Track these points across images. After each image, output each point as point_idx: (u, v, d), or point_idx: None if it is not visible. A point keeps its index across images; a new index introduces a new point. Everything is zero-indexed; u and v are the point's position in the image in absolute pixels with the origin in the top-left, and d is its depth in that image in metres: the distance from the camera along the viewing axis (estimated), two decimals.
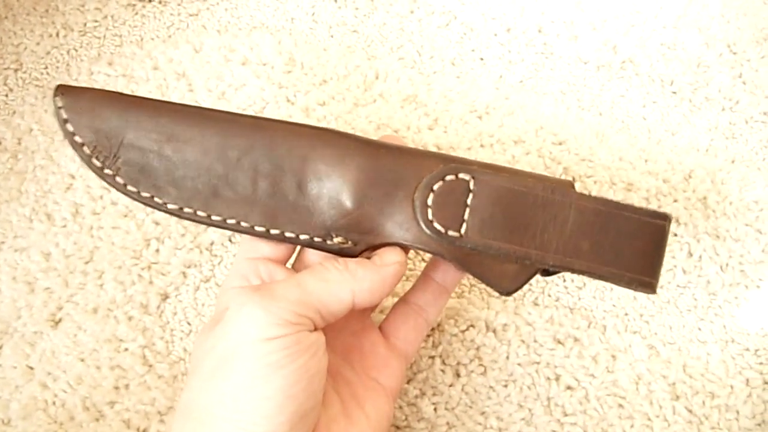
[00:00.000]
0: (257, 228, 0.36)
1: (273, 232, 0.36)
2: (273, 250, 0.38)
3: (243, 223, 0.37)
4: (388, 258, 0.36)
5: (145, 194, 0.36)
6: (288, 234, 0.36)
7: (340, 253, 0.36)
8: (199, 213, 0.37)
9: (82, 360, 0.47)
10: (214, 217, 0.37)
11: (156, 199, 0.36)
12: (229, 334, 0.32)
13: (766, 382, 0.46)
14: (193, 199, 0.36)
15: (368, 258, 0.36)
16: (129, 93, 0.52)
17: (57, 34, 0.58)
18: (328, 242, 0.36)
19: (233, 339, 0.32)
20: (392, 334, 0.40)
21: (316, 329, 0.33)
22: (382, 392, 0.38)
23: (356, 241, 0.36)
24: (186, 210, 0.37)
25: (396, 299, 0.42)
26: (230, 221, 0.37)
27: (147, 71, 0.56)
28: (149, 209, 0.50)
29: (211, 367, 0.32)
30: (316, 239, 0.36)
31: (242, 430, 0.30)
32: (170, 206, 0.37)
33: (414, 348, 0.41)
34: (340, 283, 0.34)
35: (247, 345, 0.31)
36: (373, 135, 0.53)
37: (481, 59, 0.57)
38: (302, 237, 0.36)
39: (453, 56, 0.57)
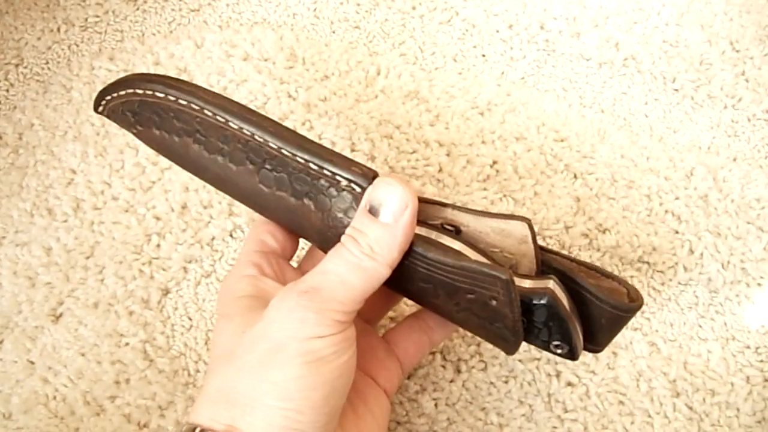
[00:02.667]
0: None
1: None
2: (281, 244, 0.38)
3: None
4: (396, 205, 0.32)
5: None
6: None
7: None
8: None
9: (83, 355, 0.47)
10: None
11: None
12: (278, 331, 0.32)
13: (766, 380, 0.45)
14: None
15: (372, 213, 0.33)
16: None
17: (58, 29, 0.58)
18: None
19: (283, 335, 0.32)
20: (393, 341, 0.41)
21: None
22: (381, 390, 0.38)
23: None
24: None
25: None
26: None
27: (148, 66, 0.56)
28: (150, 204, 0.50)
29: (258, 359, 0.32)
30: None
31: (288, 419, 0.31)
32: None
33: (412, 361, 0.41)
34: (376, 267, 0.33)
35: (299, 341, 0.31)
36: (375, 131, 0.53)
37: (483, 56, 0.57)
38: None
39: (455, 53, 0.57)
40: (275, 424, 0.31)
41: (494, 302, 0.33)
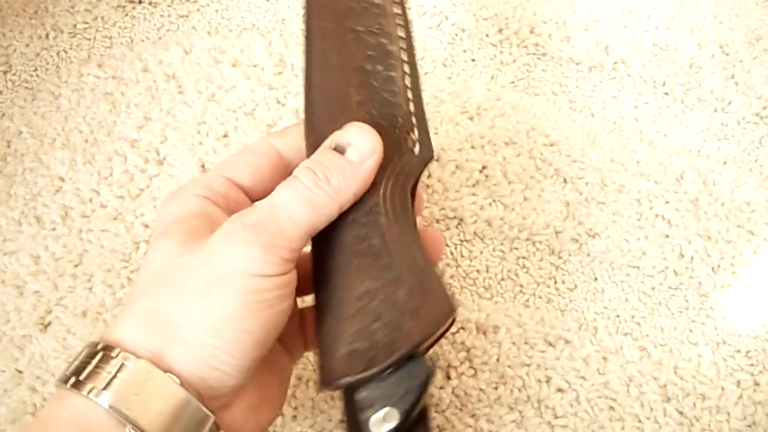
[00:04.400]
0: None
1: None
2: (253, 184, 0.36)
3: None
4: (364, 147, 0.32)
5: None
6: None
7: None
8: None
9: None
10: None
11: None
12: (222, 263, 0.30)
13: (756, 384, 0.45)
14: None
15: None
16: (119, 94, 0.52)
17: (47, 36, 0.58)
18: None
19: (227, 269, 0.30)
20: (304, 316, 0.39)
21: None
22: (289, 357, 0.37)
23: None
24: None
25: None
26: None
27: (137, 73, 0.56)
28: (138, 212, 0.50)
29: (197, 289, 0.30)
30: None
31: (215, 357, 0.29)
32: None
33: (314, 343, 0.37)
34: (329, 204, 0.31)
35: (242, 277, 0.30)
36: None
37: (473, 60, 0.57)
38: None
39: (444, 57, 0.57)
40: (201, 361, 0.29)
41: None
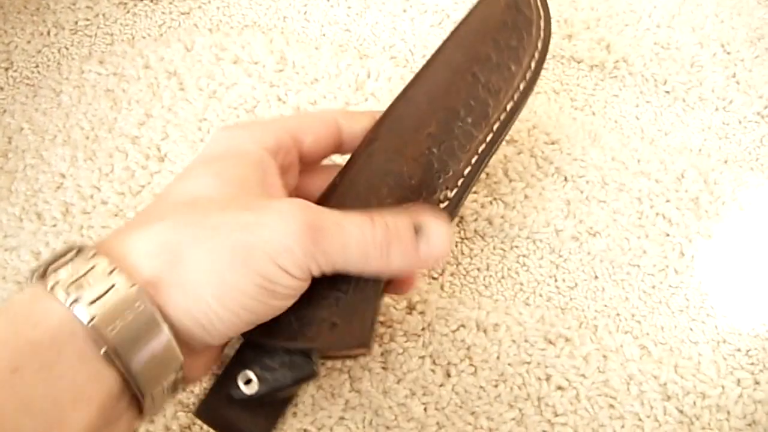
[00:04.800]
0: None
1: None
2: (310, 147, 0.37)
3: None
4: (436, 249, 0.33)
5: None
6: None
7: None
8: None
9: None
10: None
11: None
12: (261, 240, 0.30)
13: (757, 383, 0.45)
14: None
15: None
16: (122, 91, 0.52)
17: (48, 33, 0.58)
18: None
19: (262, 248, 0.29)
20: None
21: None
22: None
23: None
24: None
25: None
26: None
27: (138, 70, 0.56)
28: (139, 208, 0.50)
29: (225, 249, 0.29)
30: None
31: (208, 321, 0.29)
32: None
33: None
34: (373, 264, 0.32)
35: (272, 265, 0.30)
36: None
37: None
38: None
39: None
40: (193, 315, 0.29)
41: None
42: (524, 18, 0.40)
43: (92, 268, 0.28)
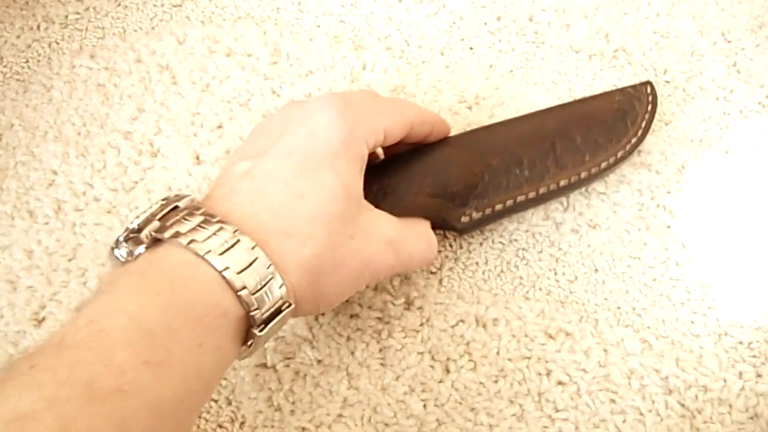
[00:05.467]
0: None
1: None
2: (387, 140, 0.41)
3: None
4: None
5: None
6: None
7: None
8: None
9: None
10: None
11: None
12: (367, 226, 0.38)
13: (759, 375, 0.45)
14: None
15: None
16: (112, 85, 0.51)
17: (38, 27, 0.57)
18: None
19: (363, 256, 0.37)
20: None
21: None
22: None
23: None
24: None
25: None
26: None
27: (129, 64, 0.55)
28: (132, 205, 0.50)
29: (358, 270, 0.37)
30: None
31: (324, 305, 0.37)
32: None
33: None
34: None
35: (368, 272, 0.38)
36: None
37: (471, 48, 0.56)
38: None
39: (442, 46, 0.56)
40: (312, 301, 0.36)
41: None
42: (623, 127, 0.47)
43: (237, 242, 0.31)
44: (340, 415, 0.44)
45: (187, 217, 0.32)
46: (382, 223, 0.38)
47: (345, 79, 0.54)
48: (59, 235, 0.49)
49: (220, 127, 0.52)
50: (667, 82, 0.54)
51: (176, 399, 0.29)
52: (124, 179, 0.51)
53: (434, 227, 0.44)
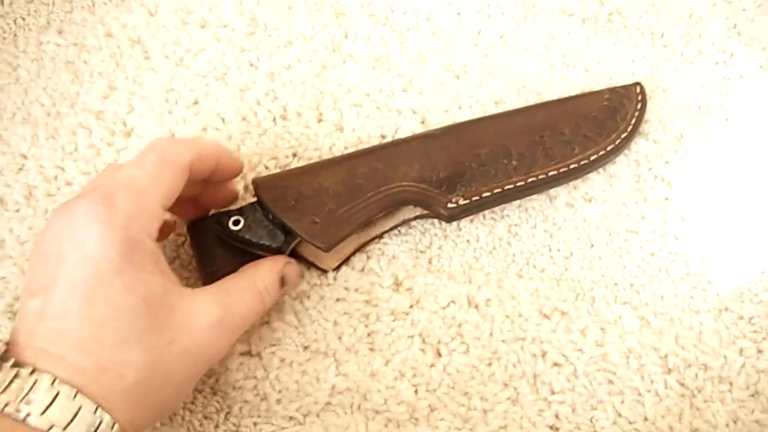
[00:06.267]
0: None
1: None
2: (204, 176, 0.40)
3: None
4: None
5: None
6: None
7: None
8: None
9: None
10: None
11: None
12: (185, 319, 0.35)
13: (759, 351, 0.43)
14: None
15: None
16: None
17: (2, 2, 0.54)
18: None
19: (183, 318, 0.35)
20: None
21: None
22: None
23: None
24: None
25: None
26: None
27: (99, 39, 0.52)
28: None
29: (185, 377, 0.35)
30: None
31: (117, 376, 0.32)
32: None
33: None
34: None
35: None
36: (343, 99, 0.50)
37: (458, 14, 0.53)
38: None
39: (428, 11, 0.53)
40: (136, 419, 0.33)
41: None
42: (612, 124, 0.47)
43: (57, 394, 0.30)
44: (329, 403, 0.43)
45: None
46: (201, 307, 0.36)
47: (326, 49, 0.51)
48: (31, 223, 0.47)
49: (196, 103, 0.50)
50: (665, 46, 0.51)
51: None
52: (97, 161, 0.48)
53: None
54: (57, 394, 0.30)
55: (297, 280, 0.43)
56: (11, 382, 0.30)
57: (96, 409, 0.30)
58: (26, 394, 0.29)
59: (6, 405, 0.29)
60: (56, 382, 0.30)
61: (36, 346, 0.31)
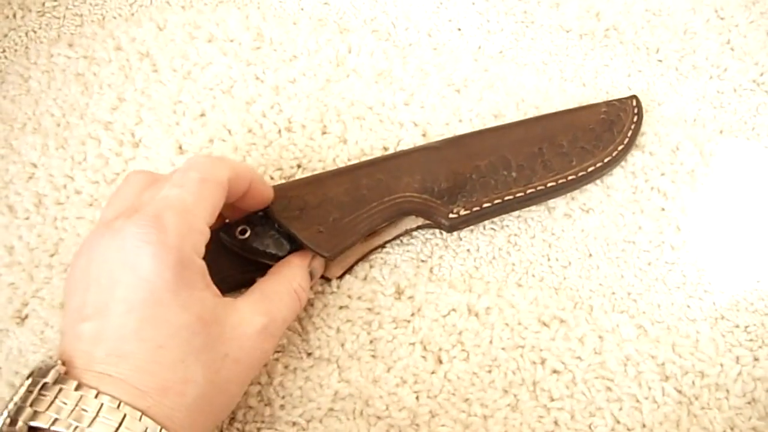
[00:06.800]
0: None
1: None
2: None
3: None
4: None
5: None
6: None
7: None
8: None
9: (50, 357, 0.45)
10: None
11: None
12: (235, 331, 0.36)
13: (756, 359, 0.44)
14: None
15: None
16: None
17: (14, 15, 0.55)
18: None
19: (232, 330, 0.36)
20: None
21: None
22: None
23: None
24: None
25: None
26: None
27: (109, 52, 0.53)
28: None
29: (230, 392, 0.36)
30: None
31: (178, 394, 0.33)
32: None
33: None
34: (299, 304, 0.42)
35: (242, 340, 0.36)
36: (347, 112, 0.51)
37: (459, 30, 0.55)
38: None
39: (429, 27, 0.55)
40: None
41: None
42: (609, 136, 0.48)
43: (124, 418, 0.31)
44: (332, 409, 0.43)
45: (62, 398, 0.30)
46: (247, 317, 0.37)
47: (330, 63, 0.52)
48: (40, 230, 0.48)
49: (202, 115, 0.51)
50: (660, 61, 0.52)
51: None
52: (106, 171, 0.49)
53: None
54: (123, 417, 0.30)
55: (321, 270, 0.44)
56: (76, 405, 0.30)
57: (160, 430, 0.31)
58: (94, 418, 0.30)
59: (76, 429, 0.30)
60: (121, 405, 0.30)
61: (96, 369, 0.31)
